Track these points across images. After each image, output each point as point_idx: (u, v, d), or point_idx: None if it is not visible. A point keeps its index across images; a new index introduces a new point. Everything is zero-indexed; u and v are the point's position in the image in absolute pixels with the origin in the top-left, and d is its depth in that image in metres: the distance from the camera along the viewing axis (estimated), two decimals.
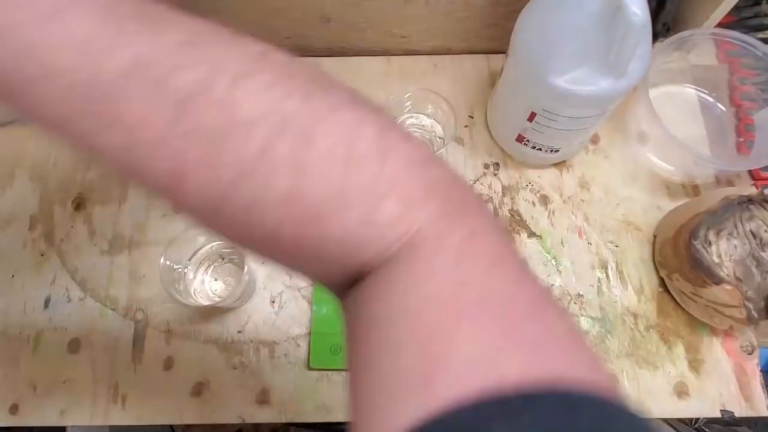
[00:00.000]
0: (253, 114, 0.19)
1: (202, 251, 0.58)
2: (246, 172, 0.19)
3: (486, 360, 0.17)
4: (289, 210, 0.19)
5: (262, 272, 0.61)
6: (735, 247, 0.52)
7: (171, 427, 1.12)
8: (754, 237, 0.52)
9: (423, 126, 0.64)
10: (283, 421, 0.55)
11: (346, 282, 0.22)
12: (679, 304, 0.58)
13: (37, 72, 0.18)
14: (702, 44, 0.70)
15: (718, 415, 0.55)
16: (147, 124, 0.19)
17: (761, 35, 0.69)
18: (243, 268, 0.53)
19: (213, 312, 0.59)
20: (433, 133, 0.64)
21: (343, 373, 0.57)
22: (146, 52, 0.19)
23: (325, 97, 0.20)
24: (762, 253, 0.51)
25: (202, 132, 0.19)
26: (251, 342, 0.58)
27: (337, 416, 0.56)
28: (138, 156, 0.19)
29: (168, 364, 0.57)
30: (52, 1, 0.18)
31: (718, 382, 0.56)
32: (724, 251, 0.52)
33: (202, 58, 0.19)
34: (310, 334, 0.57)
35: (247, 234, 0.21)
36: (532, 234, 0.62)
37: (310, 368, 0.57)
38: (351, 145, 0.20)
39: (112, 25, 0.18)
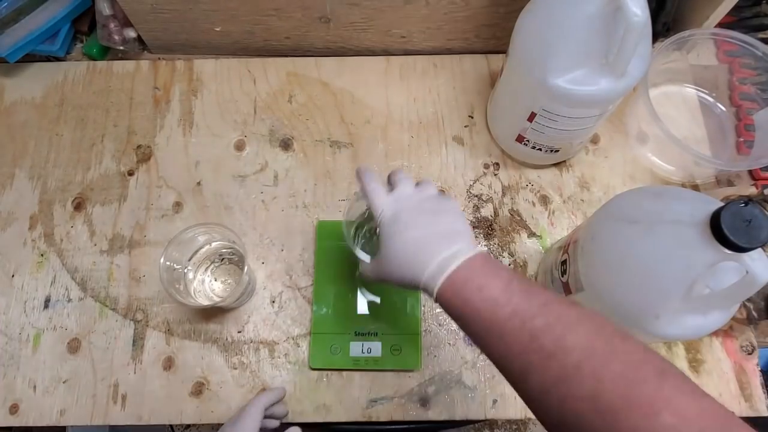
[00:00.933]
0: (573, 344, 0.32)
1: (202, 251, 0.58)
2: (565, 376, 0.31)
3: None
4: (591, 404, 0.30)
5: (262, 272, 0.61)
6: None
7: (171, 427, 1.12)
8: None
9: None
10: (283, 421, 0.55)
11: None
12: None
13: (471, 311, 0.36)
14: (702, 44, 0.70)
15: None
16: (514, 343, 0.34)
17: (761, 35, 0.69)
18: (243, 268, 0.52)
19: (213, 312, 0.59)
20: None
21: (344, 373, 0.57)
22: (521, 308, 0.35)
23: (623, 343, 0.32)
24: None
25: (542, 351, 0.33)
26: (251, 342, 0.58)
27: (337, 416, 0.56)
28: (507, 360, 0.35)
29: (168, 364, 0.57)
30: (485, 281, 0.37)
31: (718, 382, 0.56)
32: None
33: (550, 313, 0.34)
34: (310, 334, 0.57)
35: (557, 421, 0.33)
36: (532, 234, 0.62)
37: (310, 368, 0.57)
38: (636, 371, 0.30)
39: (508, 292, 0.36)
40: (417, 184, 0.45)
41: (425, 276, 0.39)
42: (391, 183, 0.46)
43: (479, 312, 0.36)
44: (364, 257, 0.46)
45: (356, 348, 0.56)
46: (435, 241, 0.40)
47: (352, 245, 0.49)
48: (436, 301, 0.39)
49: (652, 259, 0.39)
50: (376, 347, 0.56)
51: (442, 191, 0.42)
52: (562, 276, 0.50)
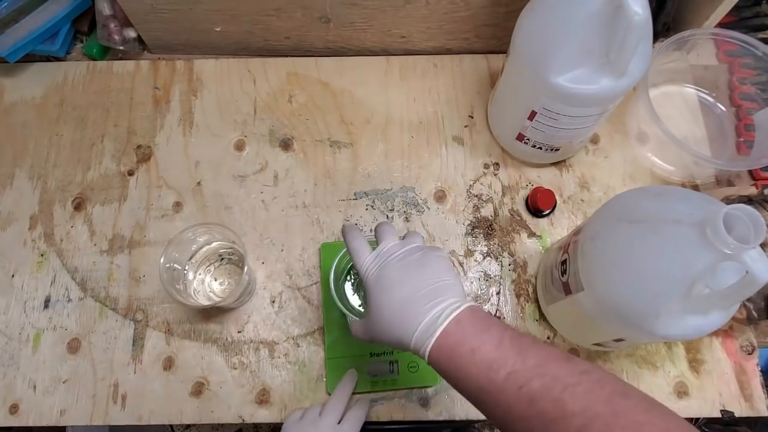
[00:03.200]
0: (574, 408, 0.32)
1: (202, 251, 0.58)
2: None
3: None
4: None
5: (262, 272, 0.61)
6: None
7: (171, 427, 1.12)
8: None
9: None
10: (283, 421, 0.55)
11: None
12: None
13: (466, 376, 0.36)
14: (702, 44, 0.70)
15: (718, 415, 0.55)
16: (513, 408, 0.34)
17: (761, 35, 0.69)
18: (243, 268, 0.53)
19: (213, 312, 0.59)
20: None
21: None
22: (516, 370, 0.34)
23: (625, 401, 0.32)
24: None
25: (543, 416, 0.32)
26: (251, 342, 0.58)
27: None
28: (509, 424, 0.35)
29: (168, 364, 0.57)
30: (477, 343, 0.36)
31: (718, 382, 0.56)
32: None
33: (546, 372, 0.33)
34: (324, 359, 0.57)
35: None
36: (532, 234, 0.62)
37: (329, 394, 0.55)
38: None
39: (501, 353, 0.35)
40: (403, 237, 0.45)
41: (414, 339, 0.38)
42: (376, 237, 0.45)
43: (474, 377, 0.35)
44: (351, 318, 0.48)
45: (373, 369, 0.56)
46: (421, 299, 0.39)
47: (340, 304, 0.50)
48: (430, 364, 0.38)
49: (652, 258, 0.39)
50: (393, 367, 0.56)
51: (429, 246, 0.43)
52: (562, 276, 0.50)
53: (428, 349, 0.37)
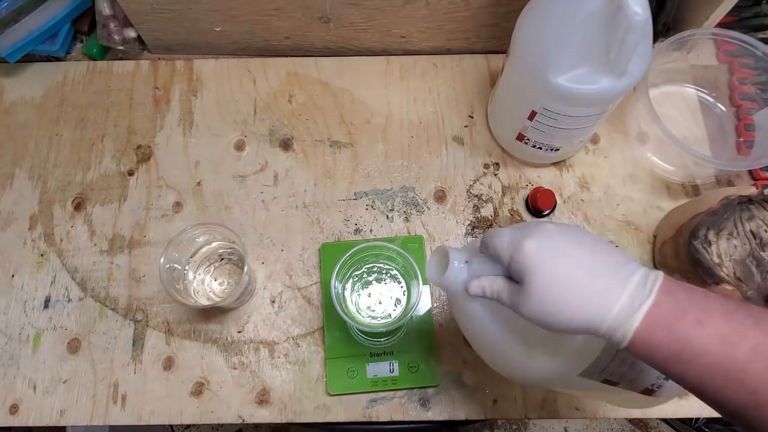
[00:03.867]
0: None
1: (201, 251, 0.58)
2: None
3: None
4: None
5: (262, 272, 0.61)
6: (735, 247, 0.52)
7: (171, 427, 1.13)
8: (754, 237, 0.52)
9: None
10: (283, 421, 0.55)
11: None
12: None
13: (693, 355, 0.29)
14: (702, 44, 0.70)
15: (718, 415, 0.55)
16: (760, 390, 0.28)
17: (761, 35, 0.69)
18: (243, 268, 0.53)
19: (213, 312, 0.59)
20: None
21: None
22: (761, 343, 0.28)
23: None
24: (762, 253, 0.51)
25: None
26: (251, 342, 0.58)
27: (337, 416, 0.56)
28: (751, 412, 0.29)
29: (168, 364, 0.57)
30: (703, 313, 0.29)
31: None
32: (724, 251, 0.52)
33: None
34: (324, 359, 0.57)
35: None
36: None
37: (328, 394, 0.56)
38: None
39: (735, 325, 0.29)
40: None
41: (613, 316, 0.30)
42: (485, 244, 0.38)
43: (705, 356, 0.29)
44: (348, 317, 0.49)
45: (373, 369, 0.56)
46: (612, 267, 0.32)
47: (340, 310, 0.50)
48: (631, 348, 0.31)
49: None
50: (393, 366, 0.56)
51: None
52: None
53: (634, 326, 0.30)
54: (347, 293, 0.55)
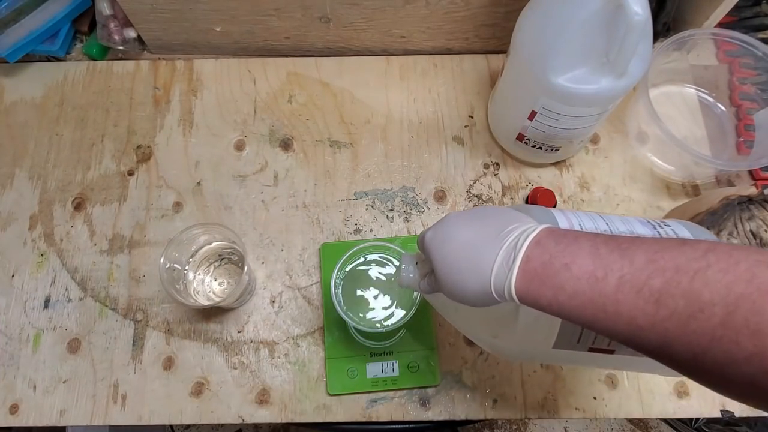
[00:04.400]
0: (711, 297, 0.26)
1: (201, 251, 0.58)
2: (714, 338, 0.26)
3: None
4: (760, 365, 0.25)
5: (262, 272, 0.61)
6: None
7: (171, 427, 1.13)
8: (754, 237, 0.52)
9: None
10: (283, 421, 0.55)
11: None
12: None
13: (567, 297, 0.30)
14: (702, 44, 0.70)
15: (718, 415, 0.55)
16: (637, 316, 0.28)
17: (761, 35, 0.69)
18: (243, 268, 0.53)
19: (213, 312, 0.59)
20: None
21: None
22: (626, 273, 0.29)
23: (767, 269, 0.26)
24: None
25: (675, 316, 0.27)
26: (251, 342, 0.58)
27: (337, 416, 0.56)
28: (637, 338, 0.29)
29: (168, 364, 0.57)
30: (569, 257, 0.30)
31: None
32: None
33: (664, 265, 0.28)
34: (325, 359, 0.57)
35: (724, 385, 0.28)
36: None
37: (328, 394, 0.56)
38: None
39: (600, 261, 0.30)
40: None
41: (493, 277, 0.33)
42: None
43: (578, 296, 0.30)
44: (348, 317, 0.50)
45: (373, 369, 0.56)
46: (490, 235, 0.34)
47: (340, 310, 0.51)
48: (519, 302, 0.32)
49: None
50: (393, 366, 0.56)
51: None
52: None
53: (512, 282, 0.32)
54: (347, 294, 0.55)
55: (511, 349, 0.42)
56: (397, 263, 0.56)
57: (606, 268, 0.29)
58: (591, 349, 0.40)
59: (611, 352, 0.40)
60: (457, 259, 0.35)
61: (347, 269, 0.55)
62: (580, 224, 0.40)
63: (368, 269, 0.56)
